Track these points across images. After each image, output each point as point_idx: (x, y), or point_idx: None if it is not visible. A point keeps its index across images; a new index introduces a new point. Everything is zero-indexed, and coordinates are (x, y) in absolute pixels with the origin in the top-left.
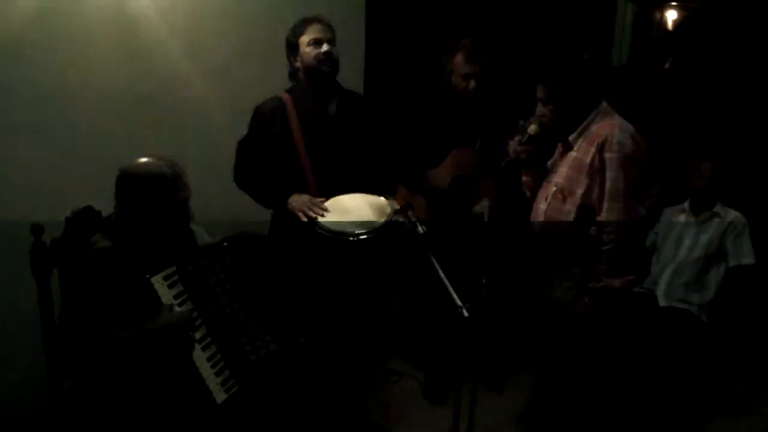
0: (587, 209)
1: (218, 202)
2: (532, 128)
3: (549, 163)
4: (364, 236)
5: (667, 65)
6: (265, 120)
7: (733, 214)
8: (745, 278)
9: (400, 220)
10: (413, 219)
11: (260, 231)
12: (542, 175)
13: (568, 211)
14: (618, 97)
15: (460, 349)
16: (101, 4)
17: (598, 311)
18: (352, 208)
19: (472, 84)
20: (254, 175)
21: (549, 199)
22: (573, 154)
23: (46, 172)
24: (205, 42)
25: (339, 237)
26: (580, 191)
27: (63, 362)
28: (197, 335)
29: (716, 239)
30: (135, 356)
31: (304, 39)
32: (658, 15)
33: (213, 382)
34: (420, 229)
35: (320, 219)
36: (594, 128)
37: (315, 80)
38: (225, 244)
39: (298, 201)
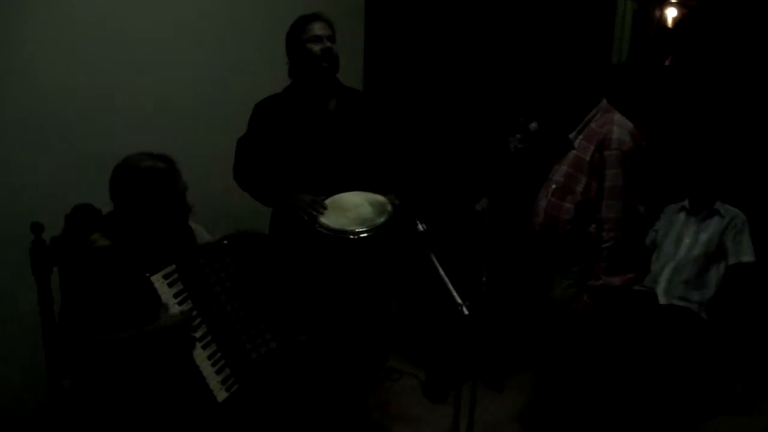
0: (587, 207)
1: (218, 200)
2: (533, 125)
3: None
4: (365, 234)
5: (666, 63)
6: (265, 117)
7: (732, 212)
8: (745, 276)
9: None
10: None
11: (260, 229)
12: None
13: (568, 208)
14: (617, 94)
15: (461, 347)
16: (101, 3)
17: (597, 309)
18: (353, 207)
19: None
20: (254, 173)
21: (549, 197)
22: (573, 151)
23: (46, 172)
24: (206, 40)
25: (339, 235)
26: (579, 189)
27: (63, 361)
28: (197, 334)
29: (716, 237)
30: (135, 356)
31: (304, 36)
32: (657, 13)
33: (213, 380)
34: (420, 226)
35: (321, 218)
36: (594, 126)
37: (315, 77)
38: (225, 242)
39: (298, 200)
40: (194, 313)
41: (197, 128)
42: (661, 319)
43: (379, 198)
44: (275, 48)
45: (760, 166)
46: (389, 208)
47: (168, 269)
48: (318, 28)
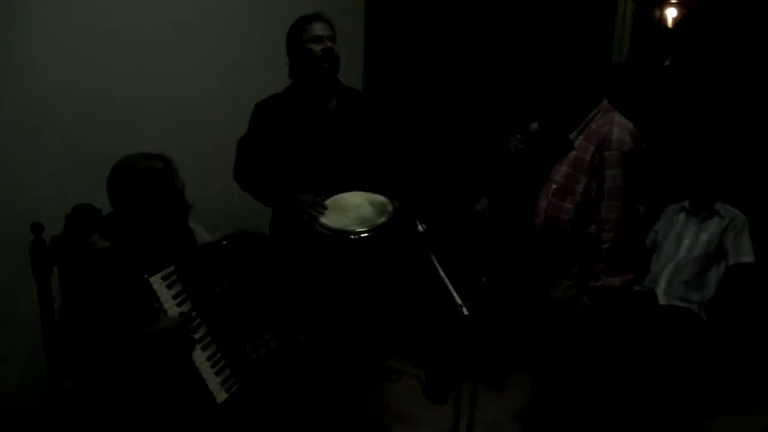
0: (587, 207)
1: (218, 200)
2: (534, 125)
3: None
4: (365, 235)
5: (666, 63)
6: (266, 118)
7: (732, 213)
8: (745, 276)
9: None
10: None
11: (260, 229)
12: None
13: (568, 209)
14: (618, 94)
15: (461, 347)
16: (101, 3)
17: (596, 310)
18: (353, 207)
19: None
20: (255, 173)
21: (549, 197)
22: (573, 152)
23: (46, 172)
24: (206, 40)
25: (340, 235)
26: (579, 189)
27: (63, 361)
28: (197, 335)
29: (716, 237)
30: (134, 358)
31: (305, 36)
32: (657, 13)
33: (213, 381)
34: (420, 227)
35: (321, 218)
36: (594, 126)
37: (315, 77)
38: (224, 242)
39: (298, 200)
40: (193, 314)
41: (197, 128)
42: (661, 319)
43: (380, 198)
44: (275, 48)
45: (760, 166)
46: (390, 208)
47: (167, 270)
48: (318, 28)
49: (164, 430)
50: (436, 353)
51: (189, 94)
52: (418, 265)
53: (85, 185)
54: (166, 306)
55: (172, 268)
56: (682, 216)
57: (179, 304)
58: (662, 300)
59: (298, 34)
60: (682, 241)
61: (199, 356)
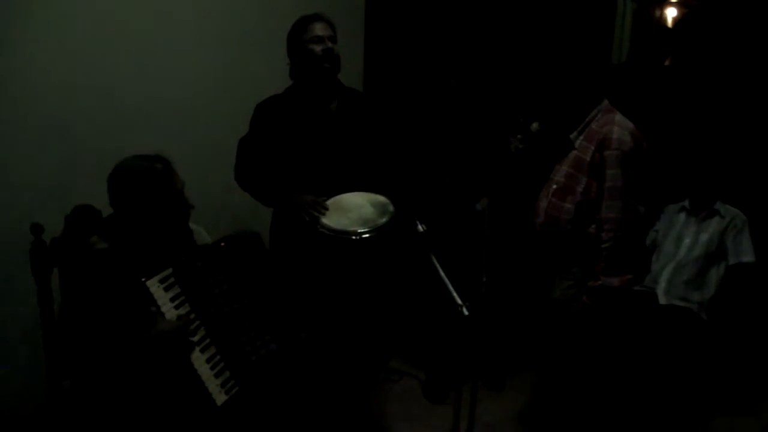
0: (587, 207)
1: (218, 200)
2: (534, 126)
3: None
4: (366, 235)
5: (666, 63)
6: (267, 118)
7: (733, 212)
8: (745, 276)
9: None
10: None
11: (261, 230)
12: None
13: (568, 209)
14: (618, 94)
15: (461, 348)
16: (101, 3)
17: (596, 310)
18: (354, 207)
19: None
20: (256, 173)
21: (549, 197)
22: (574, 152)
23: (46, 172)
24: (206, 40)
25: (341, 236)
26: (580, 189)
27: (63, 362)
28: (195, 337)
29: (716, 237)
30: (133, 361)
31: (305, 36)
32: (657, 12)
33: (213, 383)
34: (420, 227)
35: (322, 219)
36: (594, 126)
37: (316, 78)
38: (222, 244)
39: (300, 200)
40: (192, 316)
41: (197, 128)
42: (661, 319)
43: (381, 198)
44: (275, 48)
45: (760, 166)
46: (391, 208)
47: (164, 273)
48: (319, 29)
49: (164, 430)
50: (436, 354)
51: (189, 94)
52: (418, 266)
53: (85, 186)
54: (164, 309)
55: (170, 270)
56: (683, 216)
57: (177, 307)
58: (662, 300)
59: (298, 34)
60: (682, 240)
61: (198, 358)
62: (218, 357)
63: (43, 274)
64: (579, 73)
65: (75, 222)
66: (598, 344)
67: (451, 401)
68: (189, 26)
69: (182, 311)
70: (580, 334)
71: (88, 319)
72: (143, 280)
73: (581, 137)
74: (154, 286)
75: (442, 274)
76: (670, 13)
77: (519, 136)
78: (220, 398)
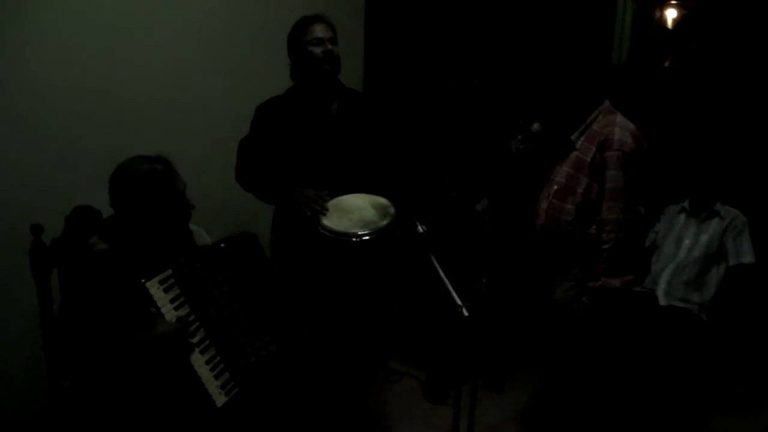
0: (587, 208)
1: (218, 201)
2: (535, 126)
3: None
4: (367, 237)
5: (666, 63)
6: (267, 119)
7: (732, 213)
8: (745, 277)
9: None
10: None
11: (262, 231)
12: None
13: (569, 210)
14: (618, 95)
15: (461, 348)
16: (101, 3)
17: (596, 310)
18: (355, 209)
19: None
20: (256, 173)
21: (550, 198)
22: (575, 152)
23: (46, 172)
24: (206, 41)
25: (342, 238)
26: (580, 190)
27: (63, 362)
28: (195, 339)
29: (716, 238)
30: (132, 363)
31: (306, 38)
32: (657, 13)
33: (212, 385)
34: (420, 228)
35: (323, 220)
36: (595, 127)
37: (316, 79)
38: (222, 245)
39: (301, 194)
40: (191, 317)
41: (197, 129)
42: (661, 320)
43: (382, 201)
44: (275, 49)
45: (760, 167)
46: (392, 211)
47: (164, 274)
48: (319, 30)
49: (164, 430)
50: (436, 354)
51: (189, 95)
52: (417, 267)
53: (86, 186)
54: (164, 310)
55: (170, 272)
56: (682, 217)
57: (177, 308)
58: (662, 301)
59: (299, 35)
60: (682, 242)
61: (198, 360)
62: (218, 358)
63: (43, 275)
64: (579, 73)
65: (75, 223)
66: (598, 345)
67: (451, 402)
68: (189, 27)
69: (182, 312)
70: (580, 334)
71: (87, 320)
72: (143, 281)
73: (582, 138)
74: (154, 287)
75: (442, 274)
76: (670, 14)
77: (520, 137)
78: (220, 399)
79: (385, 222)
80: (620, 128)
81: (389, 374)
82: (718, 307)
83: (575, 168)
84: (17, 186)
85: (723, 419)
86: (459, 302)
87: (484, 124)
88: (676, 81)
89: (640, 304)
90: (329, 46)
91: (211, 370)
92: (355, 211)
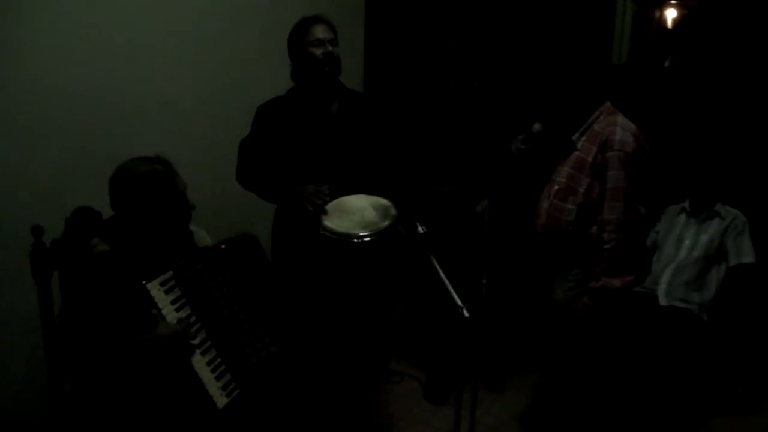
0: (588, 208)
1: (218, 203)
2: (536, 126)
3: None
4: (368, 239)
5: (666, 64)
6: (268, 120)
7: (733, 213)
8: (746, 277)
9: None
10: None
11: (262, 232)
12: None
13: (570, 210)
14: (619, 95)
15: (461, 349)
16: (101, 4)
17: (597, 311)
18: (357, 210)
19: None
20: (257, 173)
21: (551, 198)
22: (576, 153)
23: (47, 173)
24: (206, 42)
25: (343, 239)
26: (582, 190)
27: (64, 364)
28: (196, 340)
29: (717, 238)
30: (133, 365)
31: (306, 39)
32: (657, 13)
33: (213, 386)
34: (420, 229)
35: (324, 221)
36: (596, 127)
37: (317, 81)
38: (223, 246)
39: (302, 190)
40: (192, 319)
41: (197, 130)
42: (661, 320)
43: (383, 201)
44: (275, 49)
45: (761, 167)
46: (393, 211)
47: (165, 276)
48: (320, 31)
49: None
50: (436, 355)
51: (189, 95)
52: (418, 267)
53: (86, 188)
54: (165, 312)
55: (171, 273)
56: (683, 217)
57: (178, 310)
58: (663, 301)
59: (299, 36)
60: (682, 242)
61: (199, 361)
62: (219, 360)
63: (44, 276)
64: (579, 73)
65: (75, 224)
66: (599, 345)
67: (452, 402)
68: (188, 28)
69: (183, 314)
70: (580, 335)
71: (88, 322)
72: (144, 282)
73: (583, 138)
74: (154, 288)
75: (443, 275)
76: (670, 14)
77: (521, 137)
78: (221, 401)
79: (386, 223)
80: (621, 128)
81: (390, 375)
82: (718, 307)
83: (576, 168)
84: (17, 187)
85: (723, 419)
86: (459, 303)
87: (485, 124)
88: (676, 81)
89: (640, 304)
90: (330, 48)
91: (212, 371)
92: (356, 212)
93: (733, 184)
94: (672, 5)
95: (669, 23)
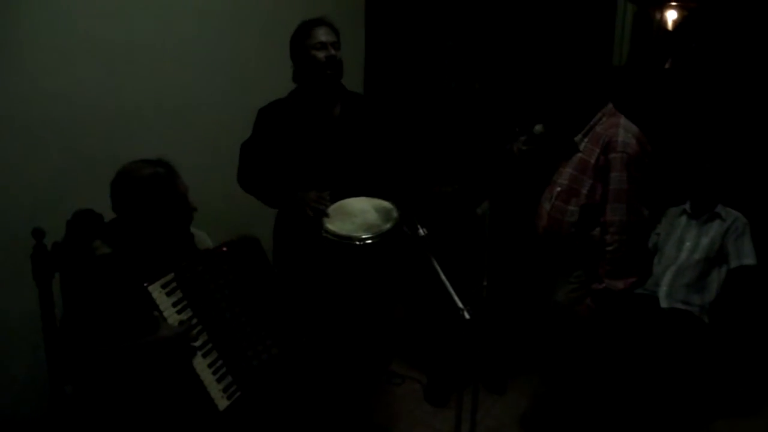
0: (591, 210)
1: (220, 204)
2: (537, 128)
3: None
4: (370, 241)
5: (666, 65)
6: (270, 122)
7: (734, 215)
8: (747, 279)
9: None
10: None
11: (264, 234)
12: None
13: (572, 211)
14: (620, 97)
15: (462, 351)
16: (100, 5)
17: (599, 313)
18: (358, 212)
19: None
20: (258, 176)
21: (553, 200)
22: (578, 154)
23: (48, 176)
24: (207, 43)
25: (345, 242)
26: (584, 192)
27: (65, 366)
28: (197, 342)
29: (717, 240)
30: (134, 366)
31: (308, 42)
32: (657, 15)
33: (215, 389)
34: (421, 231)
35: (326, 224)
36: (599, 129)
37: (319, 83)
38: (224, 248)
39: (303, 196)
40: (194, 321)
41: (198, 133)
42: (662, 322)
43: (386, 204)
44: (277, 52)
45: (761, 169)
46: (395, 214)
47: (166, 278)
48: (322, 34)
49: None
50: (437, 357)
51: (190, 97)
52: (419, 269)
53: (87, 190)
54: (166, 314)
55: (172, 275)
56: (684, 219)
57: (179, 312)
58: (664, 303)
59: (301, 39)
60: (683, 244)
61: (200, 363)
62: (220, 362)
63: (45, 279)
64: (580, 75)
65: (76, 226)
66: (600, 347)
67: (453, 404)
68: (190, 30)
69: (184, 316)
70: (582, 337)
71: (90, 324)
72: (145, 284)
73: (586, 140)
74: (156, 291)
75: (443, 277)
76: (670, 16)
77: (522, 138)
78: (222, 403)
79: (388, 225)
80: (624, 130)
81: (391, 377)
82: (719, 309)
83: (579, 170)
84: (19, 190)
85: (724, 421)
86: (460, 305)
87: (486, 126)
88: (677, 83)
89: (641, 306)
90: (332, 51)
91: (214, 373)
92: (358, 215)
93: (734, 186)
94: (672, 7)
95: (669, 25)
